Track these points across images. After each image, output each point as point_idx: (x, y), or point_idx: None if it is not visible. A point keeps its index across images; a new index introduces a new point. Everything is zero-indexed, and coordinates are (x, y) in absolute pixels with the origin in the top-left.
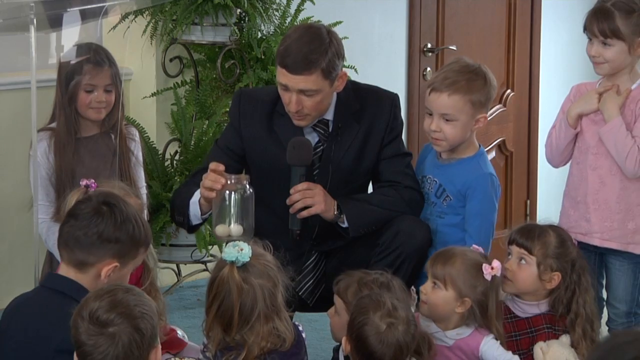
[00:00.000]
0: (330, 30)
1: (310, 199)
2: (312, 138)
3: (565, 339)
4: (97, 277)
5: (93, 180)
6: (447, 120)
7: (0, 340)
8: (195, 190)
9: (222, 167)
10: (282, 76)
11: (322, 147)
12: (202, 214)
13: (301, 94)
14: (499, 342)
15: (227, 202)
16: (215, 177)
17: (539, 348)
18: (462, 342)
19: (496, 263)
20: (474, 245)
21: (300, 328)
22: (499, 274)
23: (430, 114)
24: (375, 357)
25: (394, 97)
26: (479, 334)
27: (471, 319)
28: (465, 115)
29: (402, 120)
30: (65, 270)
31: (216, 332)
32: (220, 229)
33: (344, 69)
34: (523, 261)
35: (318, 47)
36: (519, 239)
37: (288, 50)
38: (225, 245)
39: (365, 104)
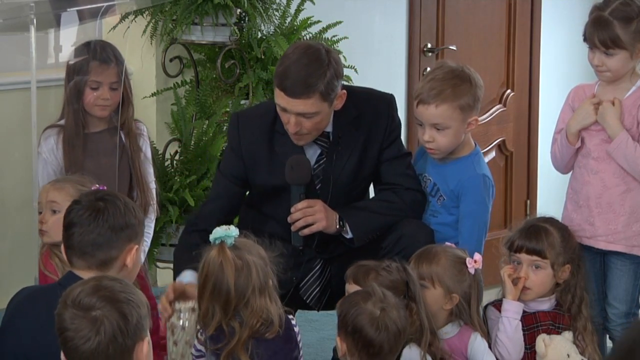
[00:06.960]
0: (329, 50)
1: (311, 216)
2: (314, 150)
3: (567, 335)
4: (122, 268)
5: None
6: (438, 129)
7: (6, 333)
8: (190, 259)
9: (171, 297)
10: (281, 99)
11: (324, 159)
12: None
13: (300, 116)
14: (486, 342)
15: (176, 329)
16: (164, 306)
17: (541, 340)
18: (450, 341)
19: (478, 256)
20: (447, 243)
21: (294, 322)
22: (480, 267)
23: (421, 124)
24: (375, 347)
25: (390, 99)
26: (466, 332)
27: (458, 314)
28: (456, 122)
29: (399, 120)
30: (85, 275)
31: (215, 312)
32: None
33: (342, 85)
34: (536, 266)
35: (316, 70)
36: (529, 246)
37: (286, 73)
38: None
39: (362, 109)
